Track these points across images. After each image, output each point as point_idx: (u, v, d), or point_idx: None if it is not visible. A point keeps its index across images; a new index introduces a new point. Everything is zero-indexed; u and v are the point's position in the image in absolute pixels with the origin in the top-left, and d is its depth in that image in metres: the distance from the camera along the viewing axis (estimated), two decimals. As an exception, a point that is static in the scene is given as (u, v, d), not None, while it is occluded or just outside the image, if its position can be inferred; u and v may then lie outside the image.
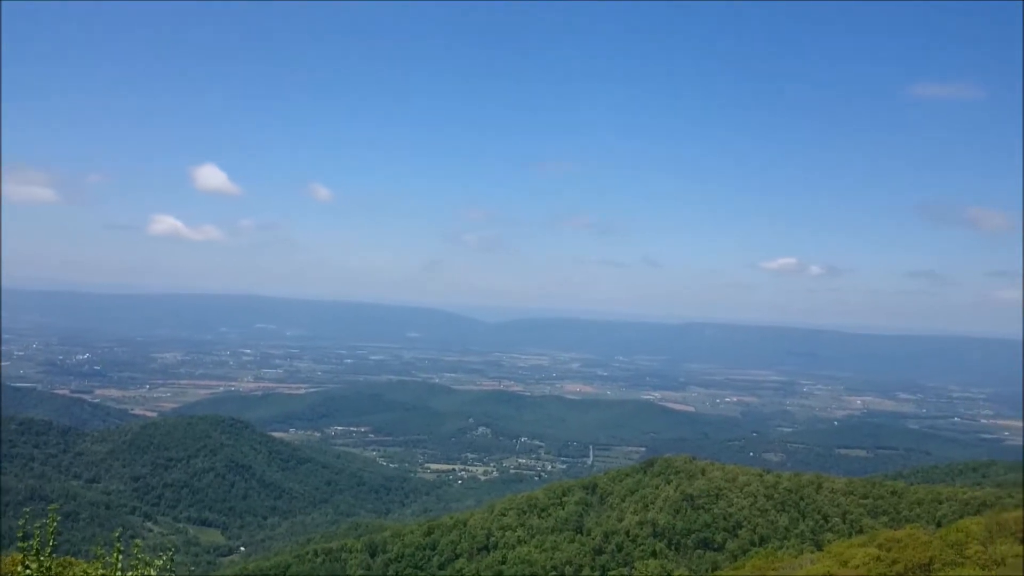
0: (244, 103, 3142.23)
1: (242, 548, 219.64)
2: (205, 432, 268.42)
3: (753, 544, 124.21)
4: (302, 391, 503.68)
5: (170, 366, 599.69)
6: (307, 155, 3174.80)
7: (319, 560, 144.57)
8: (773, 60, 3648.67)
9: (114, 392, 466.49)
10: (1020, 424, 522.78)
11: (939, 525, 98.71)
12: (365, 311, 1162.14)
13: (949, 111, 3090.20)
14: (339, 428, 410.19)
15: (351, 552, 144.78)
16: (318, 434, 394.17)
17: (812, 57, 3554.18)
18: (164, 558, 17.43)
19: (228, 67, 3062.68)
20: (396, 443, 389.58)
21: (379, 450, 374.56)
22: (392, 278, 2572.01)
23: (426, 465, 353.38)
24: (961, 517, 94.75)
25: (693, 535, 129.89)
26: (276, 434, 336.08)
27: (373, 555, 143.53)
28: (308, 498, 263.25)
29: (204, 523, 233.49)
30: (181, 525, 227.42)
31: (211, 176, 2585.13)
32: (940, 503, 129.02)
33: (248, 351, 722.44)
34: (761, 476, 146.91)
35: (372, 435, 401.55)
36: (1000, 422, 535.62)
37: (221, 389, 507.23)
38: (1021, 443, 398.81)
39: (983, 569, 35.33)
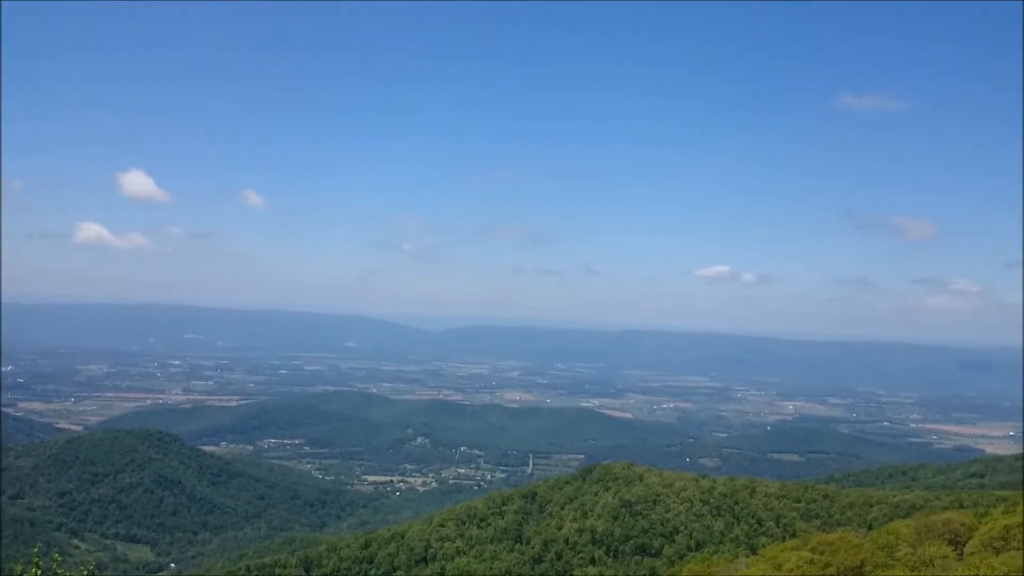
0: (172, 106, 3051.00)
1: (172, 565, 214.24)
2: (132, 446, 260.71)
3: (690, 549, 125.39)
4: (233, 403, 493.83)
5: (96, 378, 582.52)
6: (239, 161, 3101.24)
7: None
8: (702, 72, 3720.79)
9: (38, 405, 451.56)
10: (947, 427, 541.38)
11: (870, 528, 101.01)
12: (300, 320, 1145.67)
13: (873, 121, 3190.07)
14: (272, 441, 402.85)
15: (285, 567, 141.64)
16: (250, 447, 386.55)
17: (740, 68, 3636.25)
18: (86, 573, 16.60)
19: (154, 68, 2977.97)
20: (332, 455, 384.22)
21: (314, 462, 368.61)
22: (328, 287, 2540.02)
23: (363, 477, 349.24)
24: (891, 520, 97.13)
25: (631, 541, 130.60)
26: (206, 448, 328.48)
27: (308, 570, 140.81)
28: (240, 513, 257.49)
29: (133, 539, 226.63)
30: (109, 542, 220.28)
31: (138, 182, 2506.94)
32: (871, 506, 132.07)
33: (177, 362, 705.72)
34: (697, 481, 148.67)
35: (307, 447, 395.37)
36: (928, 426, 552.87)
37: (149, 402, 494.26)
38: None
39: (912, 570, 35.98)
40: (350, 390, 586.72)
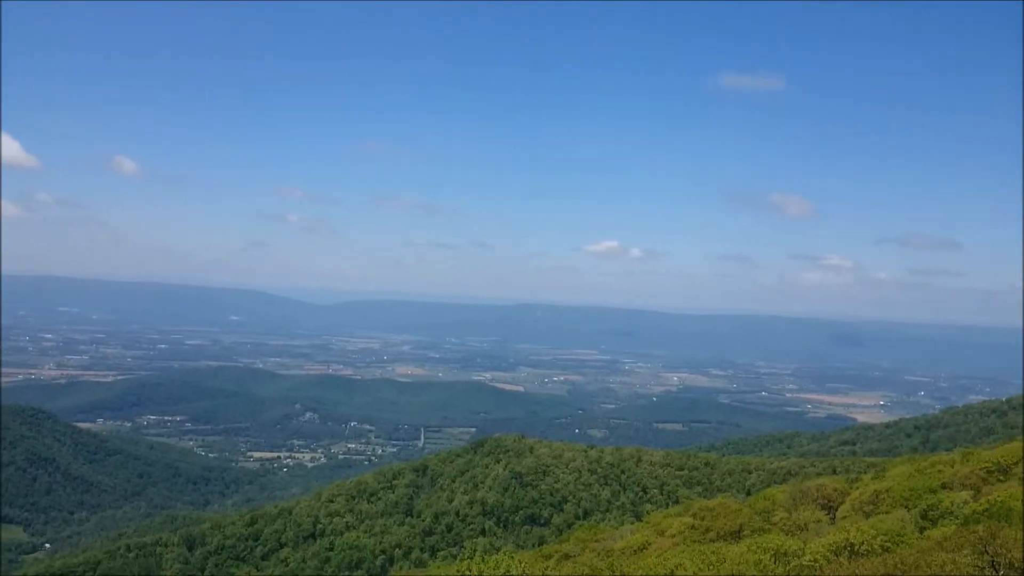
0: (40, 68, 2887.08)
1: (47, 545, 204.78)
2: (3, 423, 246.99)
3: (578, 518, 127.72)
4: (110, 379, 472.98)
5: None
6: (111, 125, 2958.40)
7: (132, 555, 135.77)
8: (591, 52, 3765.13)
9: None
10: (821, 397, 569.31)
11: (748, 494, 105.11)
12: (180, 294, 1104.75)
13: (753, 100, 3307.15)
14: (152, 418, 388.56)
15: (167, 546, 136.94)
16: (129, 424, 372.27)
17: (627, 48, 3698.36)
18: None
19: (22, 28, 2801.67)
20: (215, 432, 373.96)
21: (197, 440, 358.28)
22: (210, 258, 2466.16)
23: (249, 454, 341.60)
24: (768, 486, 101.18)
25: (521, 512, 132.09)
26: (82, 425, 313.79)
27: (191, 548, 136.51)
28: (119, 491, 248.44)
29: (4, 520, 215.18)
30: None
31: (4, 145, 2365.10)
32: (749, 473, 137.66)
33: (49, 336, 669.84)
34: (586, 452, 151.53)
35: (189, 424, 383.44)
36: (803, 395, 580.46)
37: (20, 377, 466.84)
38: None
39: (787, 534, 37.16)
40: (234, 365, 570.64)
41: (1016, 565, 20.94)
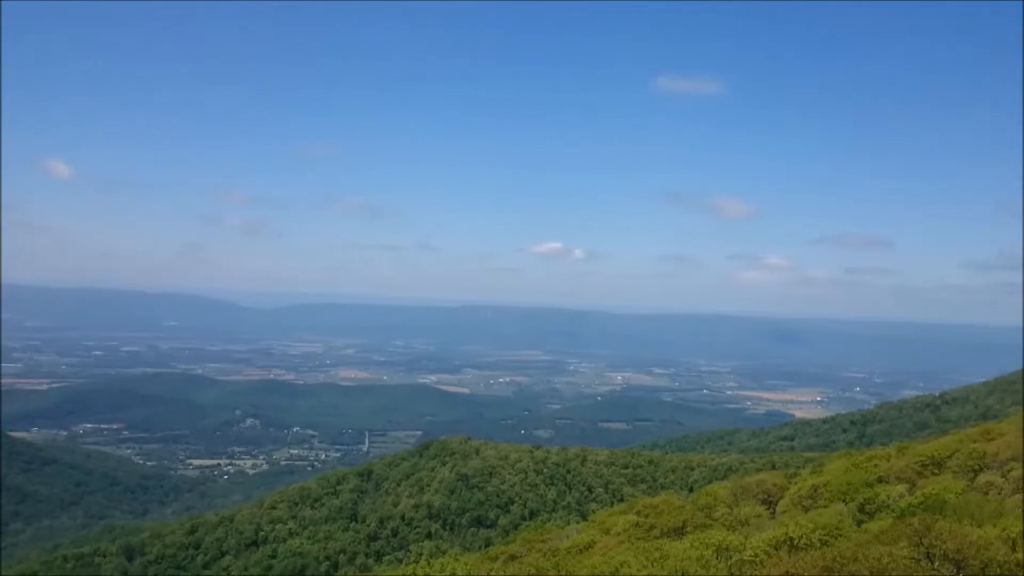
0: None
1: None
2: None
3: (524, 518, 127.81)
4: (44, 387, 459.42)
5: None
6: (42, 127, 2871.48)
7: (69, 566, 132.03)
8: (532, 54, 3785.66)
9: None
10: (760, 394, 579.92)
11: (691, 490, 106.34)
12: (116, 299, 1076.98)
13: (692, 103, 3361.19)
14: (88, 426, 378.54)
15: (105, 556, 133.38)
16: (64, 433, 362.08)
17: (568, 50, 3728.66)
18: None
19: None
20: (154, 440, 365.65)
21: (135, 448, 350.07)
22: (146, 263, 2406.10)
23: (188, 461, 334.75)
24: (710, 482, 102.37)
25: (467, 514, 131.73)
26: (15, 434, 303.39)
27: (130, 558, 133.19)
28: (55, 501, 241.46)
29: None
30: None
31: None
32: (692, 469, 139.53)
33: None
34: (532, 452, 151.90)
35: (126, 432, 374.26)
36: (743, 393, 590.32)
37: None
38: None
39: (729, 529, 37.58)
40: (172, 371, 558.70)
41: (950, 556, 21.42)
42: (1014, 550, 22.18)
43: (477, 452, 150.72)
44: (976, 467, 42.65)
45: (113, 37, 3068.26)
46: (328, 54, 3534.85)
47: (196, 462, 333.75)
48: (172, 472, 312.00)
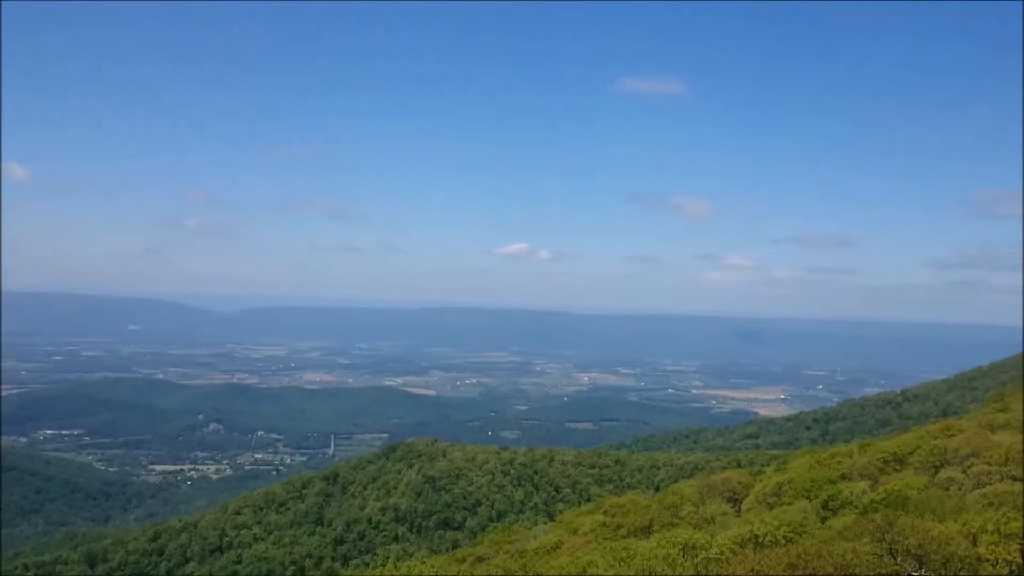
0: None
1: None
2: None
3: (491, 520, 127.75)
4: (4, 393, 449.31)
5: None
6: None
7: (30, 574, 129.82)
8: (498, 54, 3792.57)
9: None
10: (725, 392, 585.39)
11: (657, 489, 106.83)
12: (76, 303, 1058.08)
13: (655, 104, 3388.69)
14: (48, 432, 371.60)
15: (67, 564, 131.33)
16: (24, 439, 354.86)
17: (532, 50, 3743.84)
18: None
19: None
20: (115, 445, 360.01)
21: (96, 454, 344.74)
22: (107, 266, 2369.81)
23: (151, 467, 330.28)
24: (676, 480, 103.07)
25: (434, 516, 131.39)
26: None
27: (93, 565, 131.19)
28: (15, 509, 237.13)
29: None
30: None
31: None
32: (658, 469, 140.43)
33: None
34: (499, 454, 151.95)
35: (87, 438, 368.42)
36: (708, 392, 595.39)
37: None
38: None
39: (695, 528, 37.78)
40: (134, 376, 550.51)
41: (913, 552, 21.68)
42: (975, 545, 22.51)
43: (444, 454, 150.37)
44: (937, 463, 43.27)
45: (68, 37, 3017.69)
46: (288, 55, 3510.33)
47: (159, 468, 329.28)
48: (134, 478, 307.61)
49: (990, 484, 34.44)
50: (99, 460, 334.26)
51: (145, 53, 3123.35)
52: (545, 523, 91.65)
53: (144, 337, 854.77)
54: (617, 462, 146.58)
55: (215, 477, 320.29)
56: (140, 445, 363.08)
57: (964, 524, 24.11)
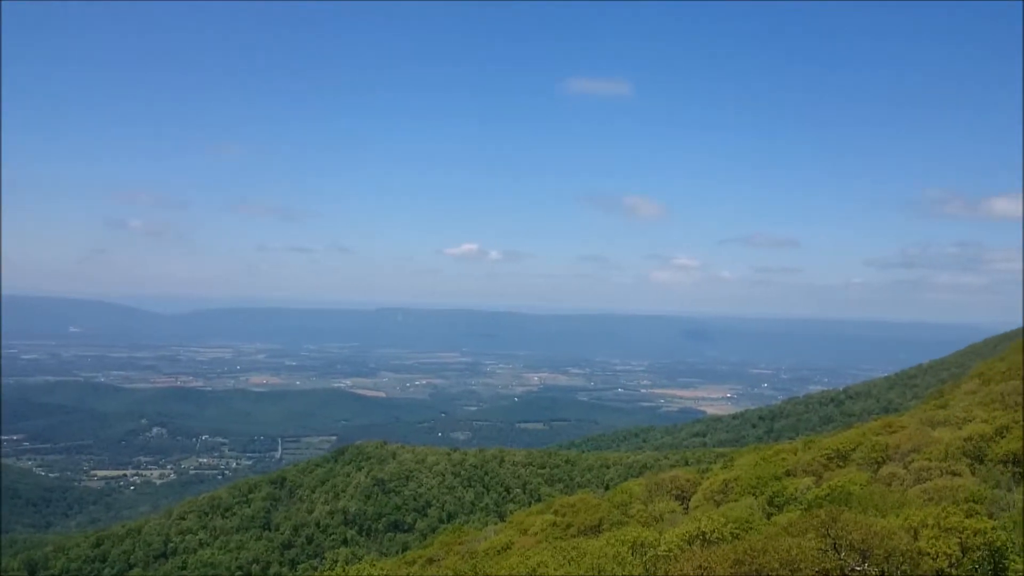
0: None
1: None
2: None
3: (442, 521, 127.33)
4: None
5: None
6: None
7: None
8: (448, 54, 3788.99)
9: None
10: (674, 391, 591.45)
11: (607, 488, 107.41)
12: (14, 304, 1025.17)
13: (603, 104, 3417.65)
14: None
15: (7, 571, 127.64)
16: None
17: (481, 50, 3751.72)
18: None
19: None
20: (56, 450, 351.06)
21: (36, 459, 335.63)
22: (47, 267, 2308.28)
23: (92, 472, 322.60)
24: (626, 479, 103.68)
25: (384, 519, 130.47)
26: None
27: (33, 573, 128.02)
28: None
29: None
30: None
31: None
32: (607, 468, 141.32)
33: None
34: (449, 455, 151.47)
35: (27, 443, 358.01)
36: (656, 391, 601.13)
37: None
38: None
39: (644, 526, 37.99)
40: (75, 379, 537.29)
41: (856, 546, 22.03)
42: (916, 539, 22.96)
43: (394, 456, 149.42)
44: (879, 459, 44.12)
45: (8, 35, 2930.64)
46: (233, 53, 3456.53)
47: (101, 473, 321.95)
48: (76, 483, 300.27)
49: (930, 479, 35.18)
50: (39, 466, 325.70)
51: (84, 51, 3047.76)
52: (496, 523, 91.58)
53: (86, 340, 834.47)
54: (567, 462, 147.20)
55: (159, 482, 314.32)
56: (82, 450, 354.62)
57: (906, 519, 24.58)
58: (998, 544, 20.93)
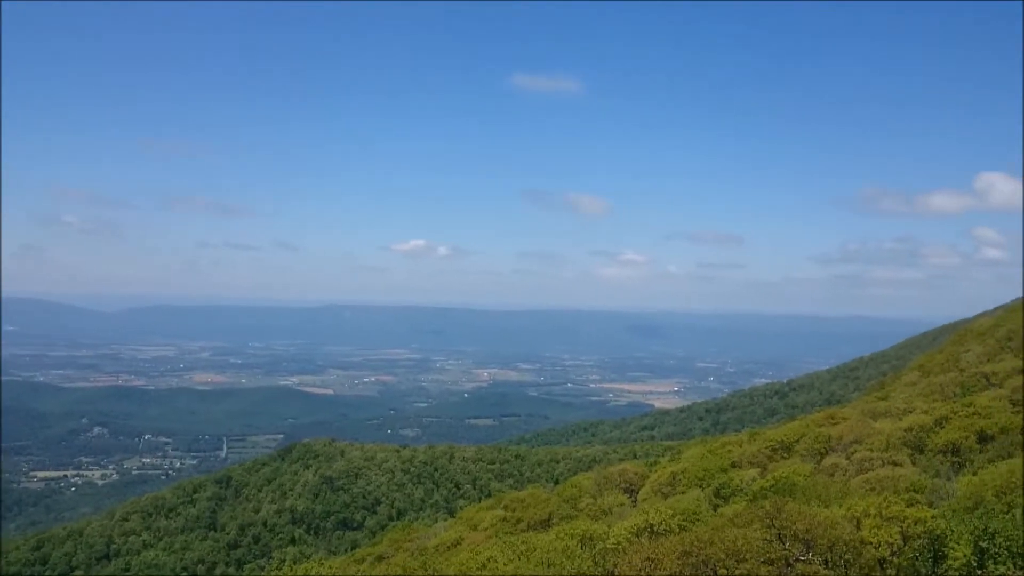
0: None
1: None
2: None
3: (391, 518, 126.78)
4: None
5: None
6: None
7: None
8: (391, 50, 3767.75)
9: None
10: (622, 386, 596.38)
11: (557, 482, 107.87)
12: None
13: (549, 101, 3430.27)
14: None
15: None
16: None
17: (426, 46, 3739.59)
18: None
19: None
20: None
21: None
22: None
23: (32, 473, 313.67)
24: (575, 473, 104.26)
25: (333, 517, 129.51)
26: None
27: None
28: None
29: None
30: None
31: None
32: (557, 462, 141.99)
33: None
34: (398, 452, 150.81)
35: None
36: (605, 385, 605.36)
37: None
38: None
39: (593, 519, 38.22)
40: (11, 379, 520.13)
41: (800, 536, 22.41)
42: (859, 528, 23.44)
43: (342, 454, 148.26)
44: (822, 450, 45.00)
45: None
46: (173, 46, 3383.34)
47: (40, 474, 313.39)
48: (14, 485, 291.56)
49: (872, 470, 35.94)
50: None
51: (13, 45, 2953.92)
52: (446, 520, 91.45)
53: (22, 339, 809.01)
54: (517, 457, 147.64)
55: (101, 483, 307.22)
56: (20, 451, 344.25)
57: (848, 509, 25.05)
58: (938, 532, 21.43)
